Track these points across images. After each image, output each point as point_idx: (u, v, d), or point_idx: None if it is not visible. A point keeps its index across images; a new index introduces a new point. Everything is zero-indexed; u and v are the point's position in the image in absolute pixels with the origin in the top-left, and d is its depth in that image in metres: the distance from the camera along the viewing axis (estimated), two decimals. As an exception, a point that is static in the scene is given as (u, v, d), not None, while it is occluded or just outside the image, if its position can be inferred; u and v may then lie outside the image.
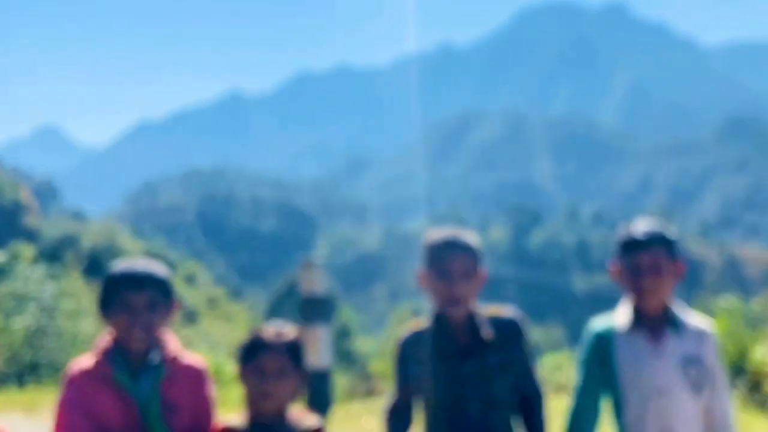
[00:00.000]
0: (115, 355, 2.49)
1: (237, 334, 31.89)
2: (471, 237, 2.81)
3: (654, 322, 2.77)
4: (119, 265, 2.54)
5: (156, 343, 2.54)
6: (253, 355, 2.40)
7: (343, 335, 42.61)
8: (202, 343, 17.44)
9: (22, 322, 15.84)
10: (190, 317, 25.62)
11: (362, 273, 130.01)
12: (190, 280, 51.20)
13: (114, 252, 43.99)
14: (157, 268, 2.52)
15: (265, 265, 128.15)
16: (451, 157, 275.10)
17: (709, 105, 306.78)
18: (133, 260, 2.58)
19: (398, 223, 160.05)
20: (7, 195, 55.89)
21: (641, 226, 2.79)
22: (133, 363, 2.48)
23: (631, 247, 2.74)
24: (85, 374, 2.50)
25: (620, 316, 2.84)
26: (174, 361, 2.54)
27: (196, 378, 2.57)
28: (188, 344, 14.42)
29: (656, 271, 2.69)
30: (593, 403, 2.83)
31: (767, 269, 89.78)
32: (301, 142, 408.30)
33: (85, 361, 2.53)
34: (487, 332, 2.75)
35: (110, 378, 2.45)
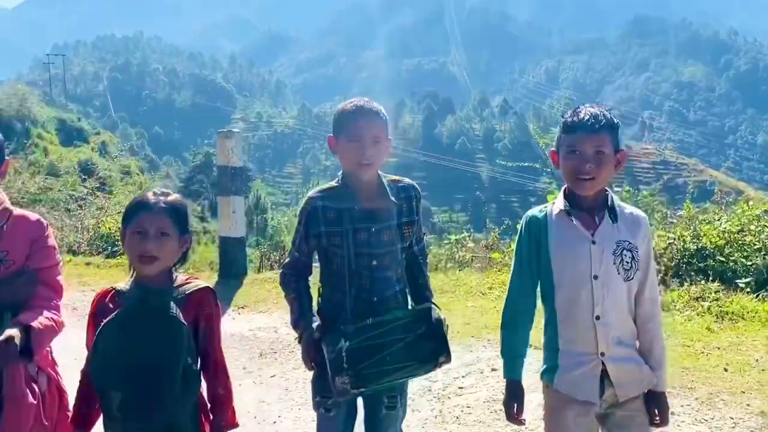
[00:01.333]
0: None
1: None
2: (380, 107, 2.89)
3: (591, 209, 2.70)
4: None
5: None
6: (134, 216, 2.37)
7: (257, 210, 43.03)
8: (116, 212, 17.66)
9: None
10: (104, 187, 25.38)
11: (276, 151, 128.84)
12: (104, 151, 50.04)
13: (25, 118, 42.46)
14: None
15: (180, 140, 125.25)
16: (368, 43, 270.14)
17: (620, 5, 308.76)
18: None
19: (313, 104, 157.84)
20: None
21: (587, 109, 2.66)
22: None
23: (575, 129, 2.62)
24: None
25: (557, 203, 2.76)
26: (5, 218, 2.61)
27: (31, 236, 2.64)
28: (103, 212, 14.56)
29: (599, 156, 2.60)
30: (528, 290, 2.78)
31: (656, 162, 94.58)
32: (218, 17, 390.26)
33: None
34: (393, 195, 2.88)
35: None
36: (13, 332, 2.37)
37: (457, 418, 4.55)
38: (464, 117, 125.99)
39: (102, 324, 2.31)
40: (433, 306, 2.90)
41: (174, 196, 2.44)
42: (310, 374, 5.38)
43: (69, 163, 39.00)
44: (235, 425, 2.47)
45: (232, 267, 8.66)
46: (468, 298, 7.18)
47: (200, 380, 2.34)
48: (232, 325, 6.73)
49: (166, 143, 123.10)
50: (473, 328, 6.11)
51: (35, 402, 2.56)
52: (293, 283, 3.01)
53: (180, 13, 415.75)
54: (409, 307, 2.99)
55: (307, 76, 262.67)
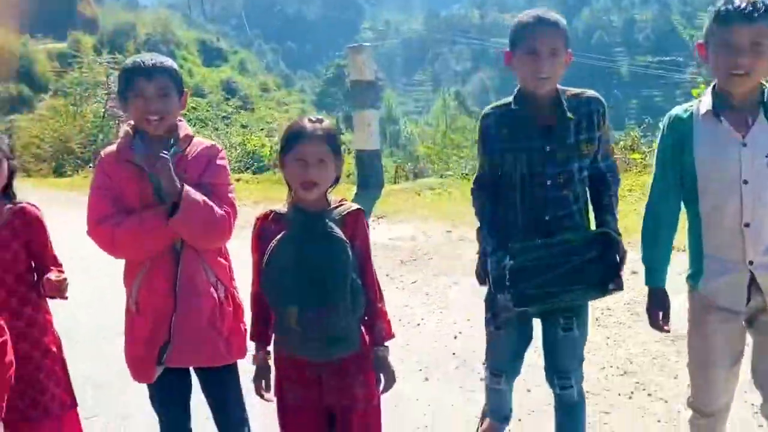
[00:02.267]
0: (136, 141, 2.70)
1: (290, 120, 32.84)
2: (559, 17, 2.72)
3: (742, 108, 2.47)
4: (134, 57, 2.74)
5: (171, 129, 2.73)
6: (293, 144, 2.43)
7: (389, 120, 43.33)
8: (259, 129, 18.43)
9: (92, 108, 16.98)
10: (246, 105, 26.40)
11: (406, 59, 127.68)
12: (243, 69, 51.66)
13: (169, 41, 44.36)
14: (165, 60, 2.71)
15: (312, 53, 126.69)
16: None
17: None
18: (143, 54, 2.76)
19: (442, 8, 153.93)
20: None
21: None
22: (151, 146, 2.67)
23: (729, 19, 2.35)
24: (111, 159, 2.72)
25: (703, 101, 2.53)
26: (187, 143, 2.73)
27: (207, 157, 2.75)
28: (246, 130, 15.28)
29: (756, 48, 2.34)
30: (671, 195, 2.64)
31: None
32: None
33: (112, 147, 2.78)
34: (570, 111, 2.72)
35: (131, 161, 2.66)
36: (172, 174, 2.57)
37: (597, 319, 4.63)
38: (601, 8, 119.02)
39: (271, 245, 2.44)
40: (609, 231, 2.76)
41: (327, 123, 2.50)
42: (449, 280, 5.67)
43: (212, 82, 40.56)
44: (392, 336, 2.58)
45: (369, 179, 8.93)
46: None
47: (363, 293, 2.48)
48: (372, 235, 6.90)
49: (299, 58, 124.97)
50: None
51: (210, 306, 2.74)
52: (478, 199, 2.99)
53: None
54: (589, 227, 2.88)
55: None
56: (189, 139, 2.76)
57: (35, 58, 37.66)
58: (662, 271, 2.71)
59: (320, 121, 2.49)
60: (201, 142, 2.82)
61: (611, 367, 4.15)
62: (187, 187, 2.59)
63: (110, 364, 4.51)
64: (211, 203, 2.65)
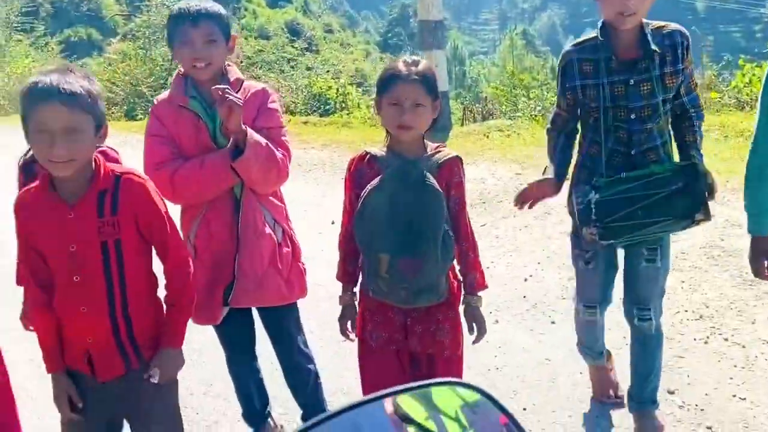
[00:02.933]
0: (189, 87, 2.70)
1: (355, 62, 32.75)
2: None
3: None
4: (178, 4, 2.68)
5: (221, 73, 2.72)
6: (389, 87, 2.39)
7: (455, 61, 42.68)
8: (324, 71, 18.41)
9: (161, 52, 17.20)
10: (310, 47, 26.33)
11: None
12: (307, 10, 51.43)
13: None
14: (211, 5, 2.66)
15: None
16: None
17: None
18: (191, 1, 2.65)
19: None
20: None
21: None
22: (204, 92, 2.67)
23: None
24: (165, 105, 2.74)
25: None
26: (237, 88, 2.69)
27: (258, 101, 2.73)
28: (310, 71, 15.27)
29: None
30: None
31: None
32: None
33: (164, 94, 2.81)
34: (655, 44, 2.67)
35: (185, 106, 2.67)
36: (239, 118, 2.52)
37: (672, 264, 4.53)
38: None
39: (366, 190, 2.42)
40: (695, 162, 2.72)
41: (424, 64, 2.43)
42: (518, 222, 5.62)
43: (276, 24, 40.67)
44: (486, 286, 2.56)
45: (436, 121, 8.84)
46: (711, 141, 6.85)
47: (454, 244, 2.44)
48: (441, 177, 7.00)
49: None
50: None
51: (270, 247, 2.78)
52: (552, 139, 3.01)
53: None
54: (672, 161, 2.83)
55: None
56: (239, 83, 2.75)
57: (104, 1, 38.31)
58: (766, 219, 2.61)
59: (416, 63, 2.42)
60: (251, 86, 2.80)
61: (686, 311, 4.08)
62: (250, 130, 2.57)
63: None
64: (272, 146, 2.65)
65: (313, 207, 6.12)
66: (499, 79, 19.16)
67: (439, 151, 2.49)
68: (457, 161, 2.47)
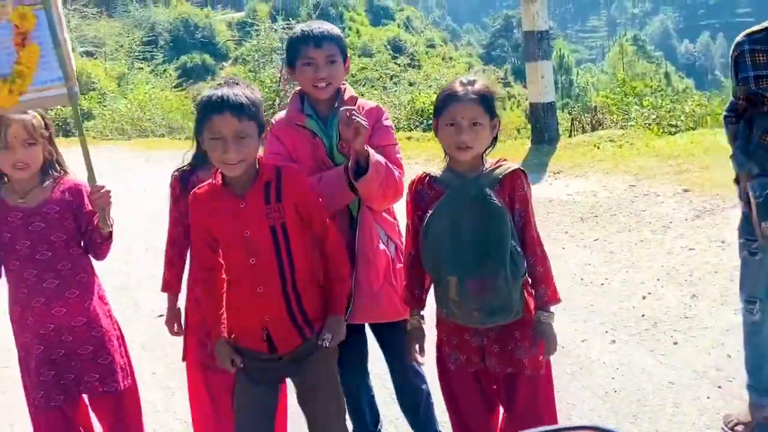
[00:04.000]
0: (305, 105, 2.79)
1: (457, 75, 32.67)
2: None
3: None
4: (301, 26, 2.80)
5: (337, 92, 2.79)
6: (446, 107, 2.40)
7: (561, 70, 41.89)
8: (427, 86, 18.42)
9: (269, 74, 17.74)
10: (413, 62, 26.48)
11: (578, 5, 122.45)
12: (409, 26, 51.89)
13: (338, 3, 45.39)
14: (331, 28, 2.78)
15: (479, 5, 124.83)
16: None
17: None
18: (312, 22, 2.84)
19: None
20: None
21: None
22: (320, 110, 2.78)
23: None
24: (283, 124, 2.81)
25: None
26: (353, 105, 2.74)
27: (372, 116, 2.76)
28: (413, 86, 15.33)
29: None
30: None
31: None
32: None
33: (281, 113, 2.89)
34: None
35: (302, 125, 2.76)
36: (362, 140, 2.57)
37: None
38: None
39: (428, 213, 2.41)
40: None
41: (480, 84, 2.43)
42: (634, 237, 5.38)
43: (379, 42, 41.15)
44: (558, 300, 2.46)
45: (543, 133, 8.65)
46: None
47: (524, 259, 2.37)
48: (549, 190, 6.81)
49: (466, 11, 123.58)
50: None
51: (385, 263, 2.79)
52: (730, 125, 2.98)
53: None
54: None
55: None
56: (354, 101, 2.80)
57: (216, 28, 39.97)
58: None
59: (472, 82, 2.41)
60: (365, 103, 2.86)
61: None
62: (371, 150, 2.61)
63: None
64: (390, 165, 2.68)
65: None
66: (609, 87, 18.61)
67: (500, 165, 2.45)
68: (518, 174, 2.42)
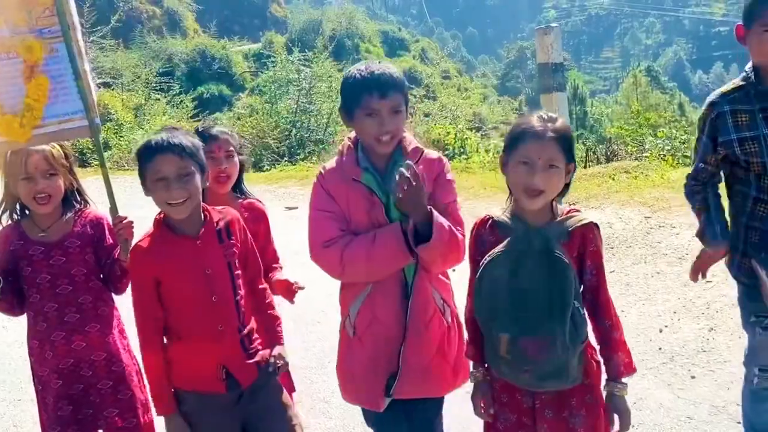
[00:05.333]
0: (361, 158, 2.51)
1: (473, 106, 32.82)
2: None
3: None
4: (360, 69, 2.48)
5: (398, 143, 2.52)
6: (521, 143, 2.15)
7: (575, 101, 41.92)
8: (442, 117, 18.48)
9: (285, 105, 17.87)
10: (428, 93, 26.65)
11: (591, 36, 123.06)
12: (424, 57, 52.29)
13: (353, 35, 45.83)
14: (395, 71, 2.49)
15: (493, 37, 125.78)
16: None
17: None
18: (372, 64, 2.51)
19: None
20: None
21: None
22: (377, 163, 2.51)
23: None
24: (335, 177, 2.54)
25: None
26: (417, 158, 2.49)
27: (434, 169, 2.53)
28: (428, 117, 15.42)
29: None
30: None
31: None
32: None
33: (333, 163, 2.58)
34: None
35: (358, 179, 2.48)
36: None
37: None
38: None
39: (485, 260, 2.21)
40: None
41: (562, 122, 2.18)
42: (650, 269, 5.33)
43: (394, 73, 41.47)
44: (634, 371, 2.23)
45: (568, 186, 8.60)
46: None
47: (587, 323, 2.18)
48: (565, 221, 6.78)
49: (480, 42, 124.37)
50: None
51: (440, 333, 2.54)
52: (698, 194, 2.81)
53: None
54: None
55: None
56: (418, 153, 2.52)
57: (233, 59, 40.39)
58: None
59: (553, 120, 2.16)
60: (428, 154, 2.58)
61: None
62: (434, 212, 2.35)
63: (309, 349, 4.70)
64: (453, 228, 2.41)
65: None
66: (623, 118, 18.61)
67: (571, 216, 2.22)
68: (591, 228, 2.20)
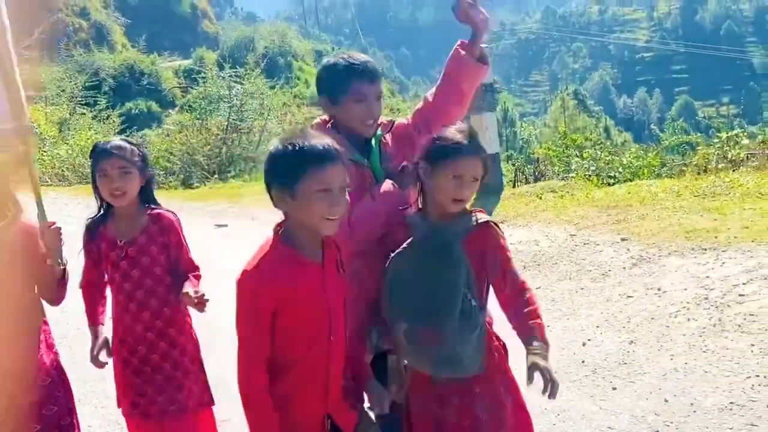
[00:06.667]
0: (340, 138, 2.54)
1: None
2: None
3: None
4: (345, 57, 2.63)
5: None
6: (450, 159, 2.29)
7: (505, 123, 42.78)
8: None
9: (216, 122, 17.69)
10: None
11: (521, 60, 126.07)
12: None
13: (286, 53, 45.72)
14: (370, 59, 2.66)
15: (426, 59, 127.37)
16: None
17: None
18: (353, 53, 2.69)
19: (558, 4, 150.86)
20: (185, 2, 58.67)
21: None
22: (359, 140, 2.63)
23: None
24: None
25: None
26: (389, 128, 2.70)
27: (403, 131, 2.71)
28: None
29: None
30: None
31: None
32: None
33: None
34: None
35: (347, 157, 2.47)
36: None
37: (739, 326, 4.32)
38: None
39: (392, 257, 2.36)
40: None
41: (472, 134, 2.36)
42: (575, 285, 5.48)
43: (327, 91, 41.51)
44: (544, 335, 2.27)
45: (488, 183, 8.77)
46: (744, 201, 6.64)
47: (480, 314, 2.30)
48: (494, 238, 6.90)
49: (414, 63, 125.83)
50: (752, 232, 5.69)
51: None
52: None
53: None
54: None
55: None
56: (391, 123, 2.74)
57: (162, 75, 39.76)
58: None
59: (474, 134, 2.34)
60: (397, 122, 2.79)
61: (757, 376, 3.86)
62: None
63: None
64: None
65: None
66: (551, 139, 19.10)
67: (471, 216, 2.37)
68: (488, 226, 2.34)
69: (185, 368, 2.92)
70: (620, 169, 10.31)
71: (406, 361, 2.45)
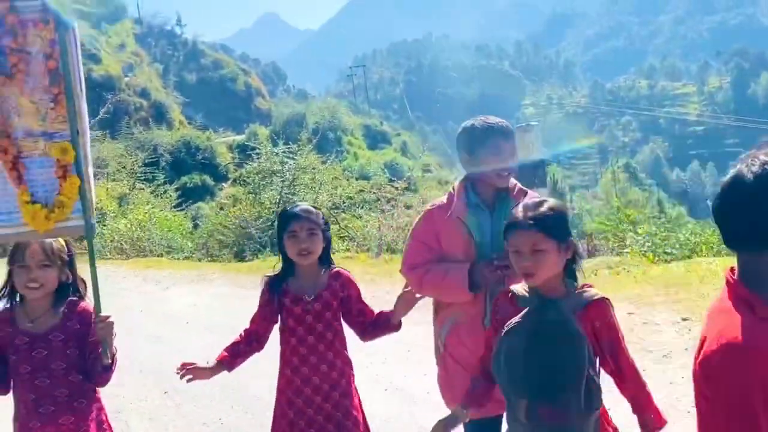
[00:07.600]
0: (470, 194, 2.97)
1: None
2: None
3: None
4: (483, 119, 3.00)
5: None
6: (508, 234, 2.34)
7: (555, 195, 42.56)
8: (422, 209, 18.56)
9: (269, 196, 18.00)
10: (410, 186, 26.96)
11: (570, 131, 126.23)
12: (405, 149, 53.27)
13: (336, 127, 46.74)
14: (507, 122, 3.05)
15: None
16: (661, 6, 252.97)
17: None
18: (487, 117, 3.05)
19: (605, 79, 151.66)
20: (240, 81, 60.90)
21: None
22: (487, 199, 2.96)
23: None
24: (441, 212, 2.98)
25: None
26: (522, 196, 2.91)
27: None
28: (409, 209, 15.45)
29: None
30: None
31: None
32: (501, 6, 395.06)
33: (443, 199, 3.04)
34: None
35: (462, 217, 2.92)
36: None
37: None
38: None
39: (503, 332, 2.36)
40: None
41: (546, 206, 2.34)
42: (636, 366, 5.29)
43: (376, 165, 42.10)
44: (664, 422, 2.43)
45: (574, 261, 8.65)
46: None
47: (601, 391, 2.30)
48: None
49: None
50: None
51: None
52: None
53: (464, 8, 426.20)
54: None
55: (597, 52, 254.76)
56: (523, 193, 2.98)
57: (217, 150, 40.89)
58: None
59: (534, 206, 2.33)
60: (530, 193, 2.99)
61: None
62: None
63: None
64: None
65: (416, 347, 6.00)
66: (604, 213, 18.90)
67: (584, 291, 2.36)
68: (603, 302, 2.33)
69: (354, 418, 3.06)
70: (677, 246, 10.10)
71: None
